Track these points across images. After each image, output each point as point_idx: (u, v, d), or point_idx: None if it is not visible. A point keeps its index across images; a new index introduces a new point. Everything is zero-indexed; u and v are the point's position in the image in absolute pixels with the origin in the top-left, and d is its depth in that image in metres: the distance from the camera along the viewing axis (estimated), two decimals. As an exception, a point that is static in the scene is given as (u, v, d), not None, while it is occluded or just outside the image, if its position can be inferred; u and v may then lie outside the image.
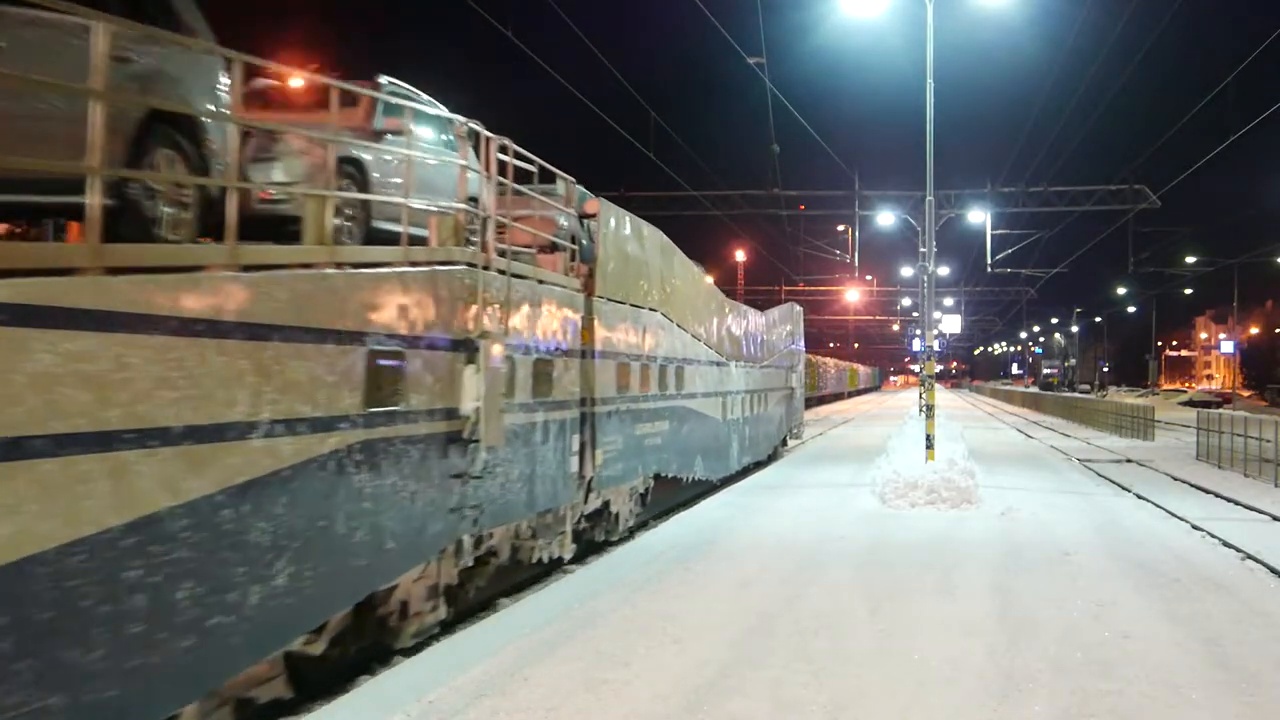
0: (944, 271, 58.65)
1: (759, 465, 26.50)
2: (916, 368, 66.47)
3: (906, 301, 76.49)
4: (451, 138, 10.71)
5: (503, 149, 10.91)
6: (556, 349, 11.98)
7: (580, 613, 10.16)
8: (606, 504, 14.54)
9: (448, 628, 10.04)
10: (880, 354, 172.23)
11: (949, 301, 68.04)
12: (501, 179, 10.86)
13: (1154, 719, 7.26)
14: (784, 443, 33.03)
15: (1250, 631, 9.69)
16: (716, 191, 41.16)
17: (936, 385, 30.18)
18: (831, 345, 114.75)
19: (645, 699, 7.48)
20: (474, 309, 9.66)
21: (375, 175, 9.15)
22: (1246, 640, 9.33)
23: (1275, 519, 18.26)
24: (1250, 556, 14.07)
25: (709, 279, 22.97)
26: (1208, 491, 22.58)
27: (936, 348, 28.54)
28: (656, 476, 16.91)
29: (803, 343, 37.67)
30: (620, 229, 15.06)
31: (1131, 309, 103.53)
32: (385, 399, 8.07)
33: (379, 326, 8.02)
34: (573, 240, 13.52)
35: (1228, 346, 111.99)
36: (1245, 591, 11.58)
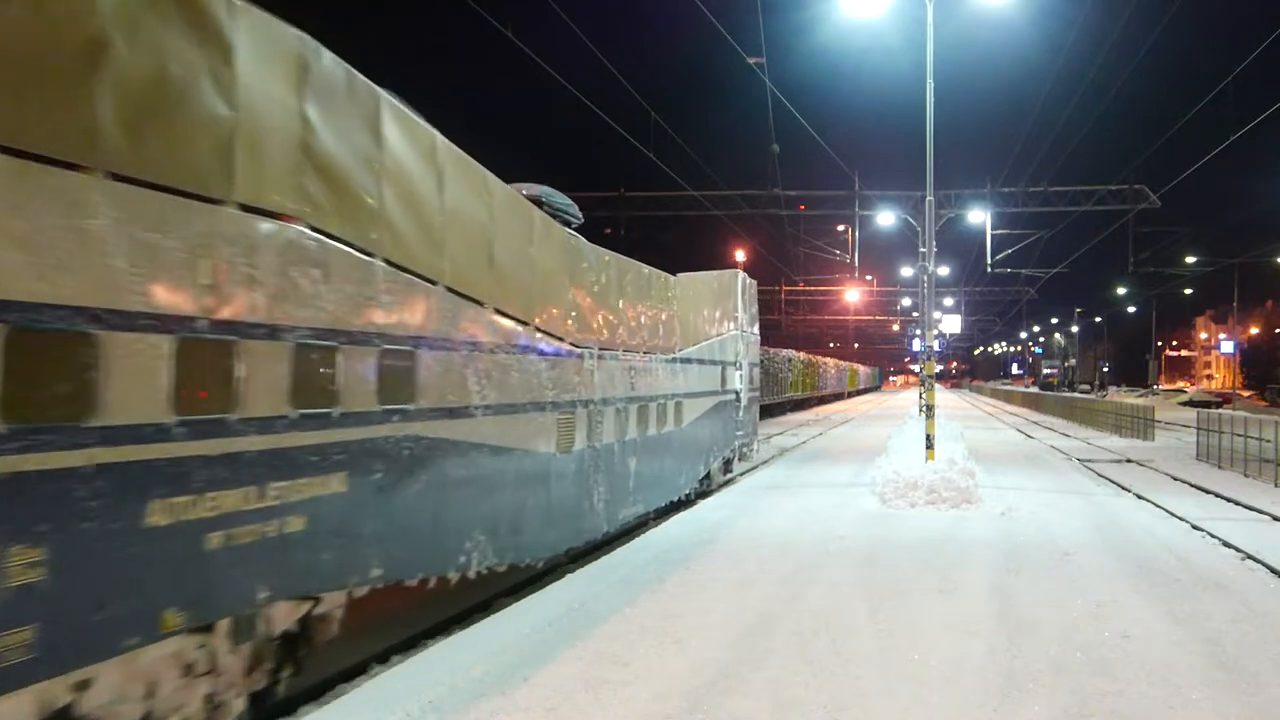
0: (944, 271, 58.78)
1: (669, 510, 18.26)
2: (916, 368, 66.49)
3: (906, 301, 76.54)
4: None
5: None
6: None
7: (580, 613, 10.17)
8: None
9: (447, 629, 10.03)
10: (880, 354, 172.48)
11: (949, 301, 68.14)
12: None
13: (1154, 719, 7.28)
14: (727, 468, 23.71)
15: (1250, 631, 9.69)
16: (716, 191, 41.30)
17: (936, 385, 30.15)
18: (832, 345, 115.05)
19: (645, 699, 7.49)
20: None
21: None
22: (1246, 640, 9.34)
23: (1275, 519, 18.25)
24: (1250, 556, 14.07)
25: (530, 191, 13.67)
26: (1207, 491, 22.58)
27: (936, 348, 28.54)
28: (349, 596, 8.19)
29: (757, 329, 26.83)
30: None
31: (1131, 309, 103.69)
32: None
33: None
34: None
35: (1228, 346, 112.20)
36: (1245, 591, 11.58)
